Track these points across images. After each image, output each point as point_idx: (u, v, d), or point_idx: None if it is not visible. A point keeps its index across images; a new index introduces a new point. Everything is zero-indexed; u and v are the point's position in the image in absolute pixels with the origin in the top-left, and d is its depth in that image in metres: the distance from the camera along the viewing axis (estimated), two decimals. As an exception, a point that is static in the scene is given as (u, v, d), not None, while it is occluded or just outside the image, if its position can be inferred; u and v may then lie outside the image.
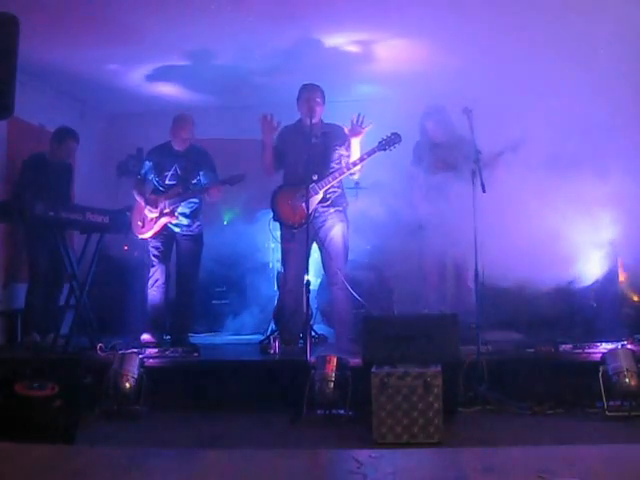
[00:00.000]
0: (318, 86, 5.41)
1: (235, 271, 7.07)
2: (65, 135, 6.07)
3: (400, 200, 5.56)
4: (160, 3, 5.39)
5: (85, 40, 5.97)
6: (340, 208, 5.44)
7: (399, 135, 5.19)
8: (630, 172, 4.57)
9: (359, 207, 6.83)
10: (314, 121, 5.28)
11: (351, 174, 5.38)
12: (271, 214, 5.61)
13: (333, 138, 5.38)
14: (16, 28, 3.01)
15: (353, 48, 6.49)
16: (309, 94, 5.34)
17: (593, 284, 5.02)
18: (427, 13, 5.08)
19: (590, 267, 4.92)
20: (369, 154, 5.21)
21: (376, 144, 5.21)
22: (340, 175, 5.28)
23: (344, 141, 5.39)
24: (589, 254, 4.89)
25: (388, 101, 7.52)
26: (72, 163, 6.33)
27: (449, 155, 5.22)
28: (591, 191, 4.59)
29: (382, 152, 5.21)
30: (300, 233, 5.19)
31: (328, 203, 5.35)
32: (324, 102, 5.42)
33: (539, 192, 4.75)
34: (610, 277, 5.13)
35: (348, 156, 5.35)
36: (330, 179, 5.25)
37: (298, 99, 5.40)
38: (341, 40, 6.29)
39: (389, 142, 5.17)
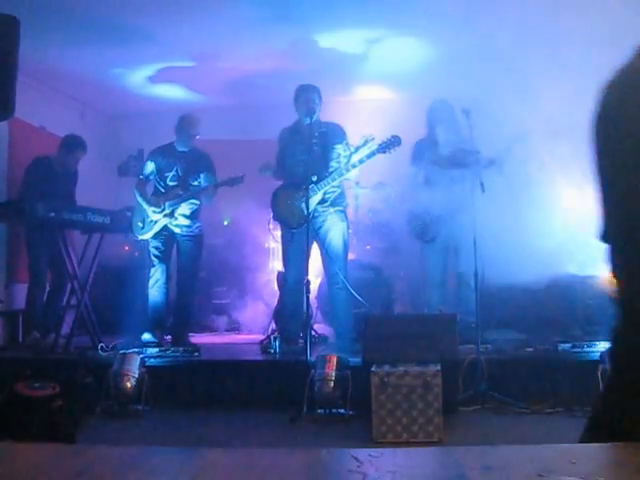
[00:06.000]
0: (315, 87, 5.43)
1: (235, 271, 7.08)
2: (75, 145, 6.08)
3: (400, 200, 5.55)
4: (162, 5, 5.41)
5: (87, 41, 6.00)
6: (340, 208, 5.45)
7: (399, 138, 5.17)
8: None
9: (359, 207, 6.87)
10: (312, 120, 5.30)
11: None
12: (271, 214, 5.65)
13: (331, 137, 5.39)
14: (17, 29, 3.02)
15: (352, 48, 6.50)
16: (308, 94, 5.36)
17: (592, 282, 5.02)
18: (427, 12, 5.09)
19: (590, 266, 4.92)
20: (369, 156, 5.21)
21: (375, 146, 5.20)
22: (339, 177, 5.30)
23: (342, 139, 5.41)
24: (590, 253, 4.89)
25: (386, 101, 7.56)
26: (77, 170, 6.33)
27: (452, 154, 5.19)
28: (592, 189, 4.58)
29: (382, 154, 5.21)
30: (300, 233, 5.21)
31: (327, 203, 5.36)
32: (321, 101, 5.44)
33: (539, 191, 4.75)
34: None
35: (346, 155, 5.35)
36: (329, 180, 5.27)
37: (296, 100, 5.41)
38: (341, 40, 6.31)
39: (389, 145, 5.16)
